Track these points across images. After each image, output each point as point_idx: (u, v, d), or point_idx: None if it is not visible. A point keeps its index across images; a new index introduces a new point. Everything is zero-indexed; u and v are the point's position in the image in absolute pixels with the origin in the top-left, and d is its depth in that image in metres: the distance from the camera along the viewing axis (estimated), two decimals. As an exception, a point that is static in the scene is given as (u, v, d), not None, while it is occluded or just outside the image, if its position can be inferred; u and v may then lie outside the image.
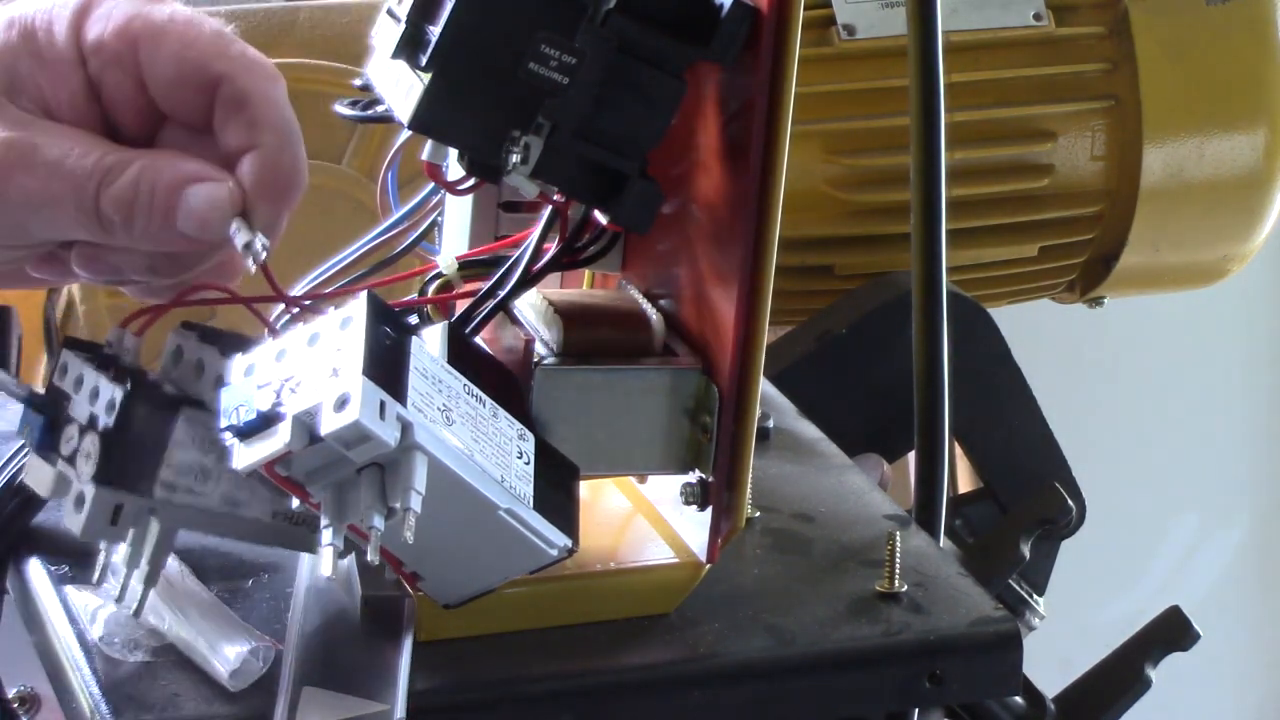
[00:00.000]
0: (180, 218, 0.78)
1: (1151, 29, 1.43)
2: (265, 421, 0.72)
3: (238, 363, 0.75)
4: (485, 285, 0.83)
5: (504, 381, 0.82)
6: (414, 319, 0.84)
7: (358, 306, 0.75)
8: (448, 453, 0.74)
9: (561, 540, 0.78)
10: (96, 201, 0.78)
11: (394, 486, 0.72)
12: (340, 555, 0.74)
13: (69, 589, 0.85)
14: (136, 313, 0.81)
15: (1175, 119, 1.44)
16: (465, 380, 0.77)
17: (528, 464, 0.78)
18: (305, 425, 0.72)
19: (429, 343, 0.78)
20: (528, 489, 0.77)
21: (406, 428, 0.72)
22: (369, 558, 0.72)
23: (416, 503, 0.72)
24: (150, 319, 0.81)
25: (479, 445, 0.76)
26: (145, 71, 0.80)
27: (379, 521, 0.72)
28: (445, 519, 0.75)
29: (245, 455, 0.73)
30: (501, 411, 0.78)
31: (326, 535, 0.73)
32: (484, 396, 0.78)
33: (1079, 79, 1.43)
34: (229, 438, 0.73)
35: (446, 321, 0.82)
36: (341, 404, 0.71)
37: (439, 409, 0.75)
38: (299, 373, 0.73)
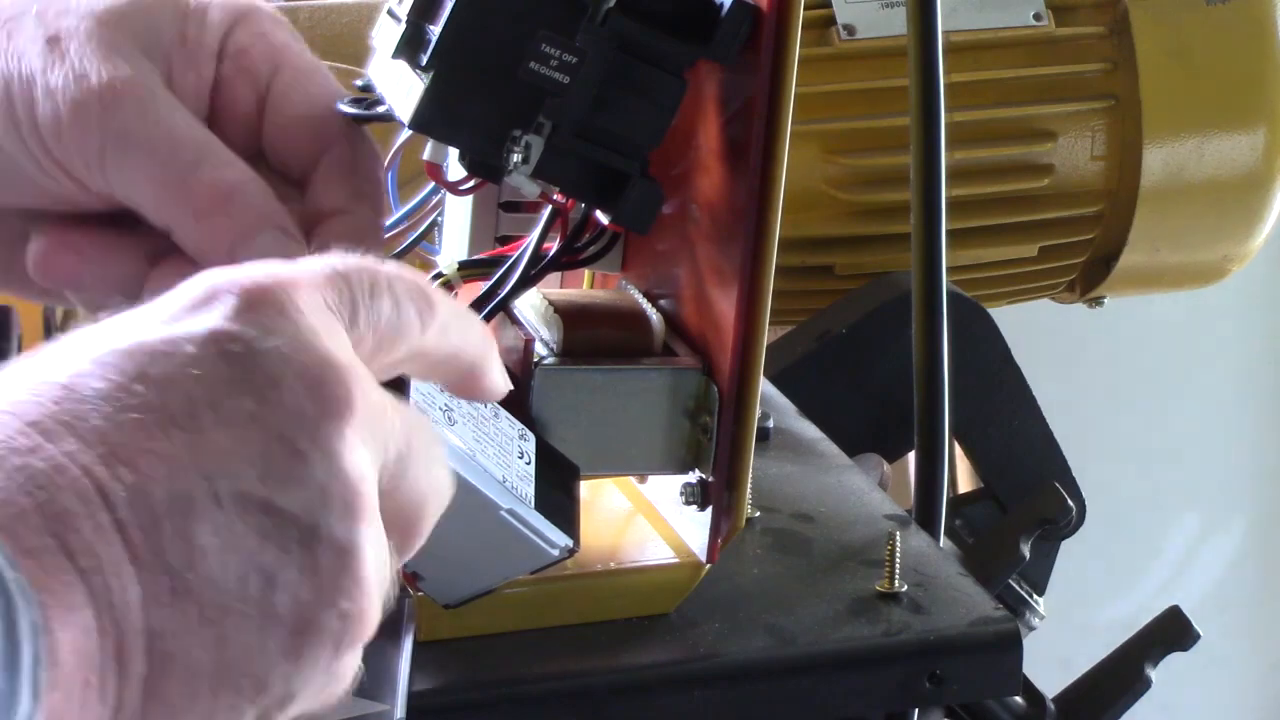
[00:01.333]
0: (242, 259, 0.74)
1: (1151, 29, 1.43)
2: None
3: None
4: (485, 285, 0.83)
5: None
6: None
7: None
8: (450, 452, 0.74)
9: (563, 540, 0.78)
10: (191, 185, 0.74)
11: None
12: None
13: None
14: None
15: (1175, 119, 1.44)
16: None
17: (529, 464, 0.78)
18: None
19: None
20: (529, 489, 0.77)
21: None
22: None
23: None
24: None
25: (481, 445, 0.76)
26: (272, 100, 0.77)
27: None
28: (446, 518, 0.75)
29: None
30: (503, 412, 0.78)
31: None
32: None
33: (1079, 79, 1.43)
34: None
35: None
36: None
37: (441, 408, 0.75)
38: None
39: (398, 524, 0.64)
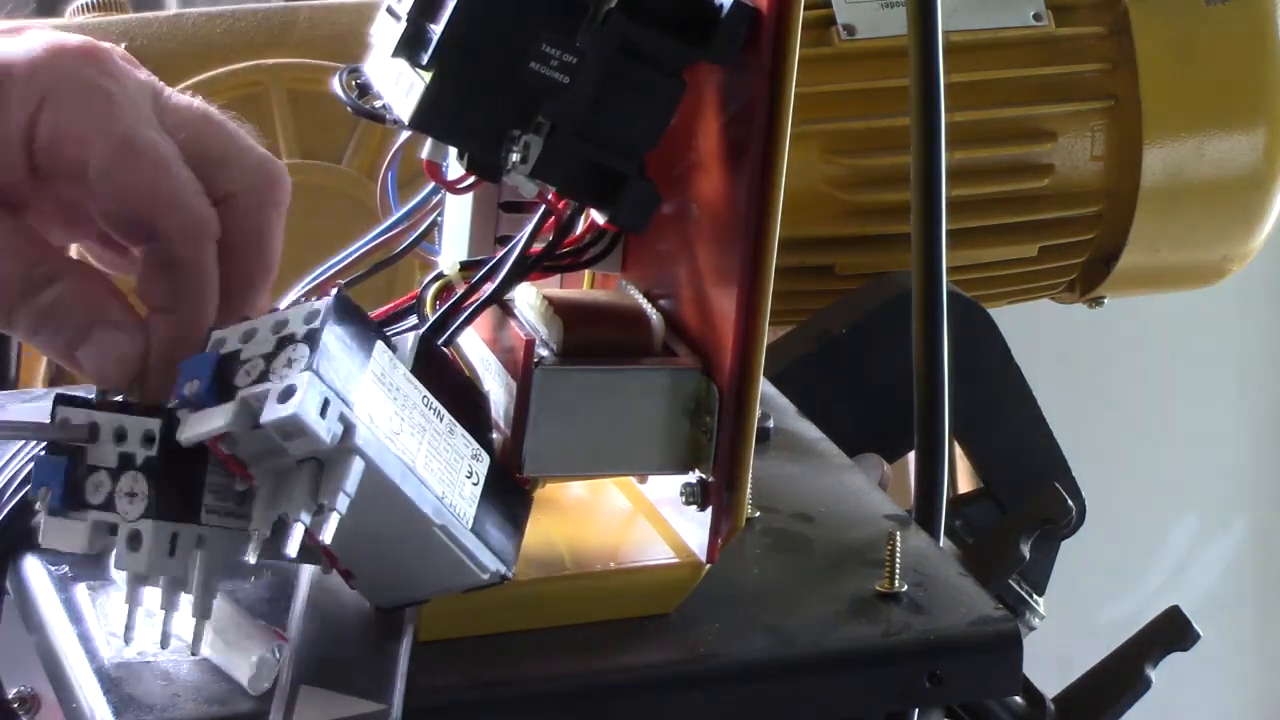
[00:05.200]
0: (82, 356, 0.79)
1: (1151, 29, 1.43)
2: (217, 396, 0.73)
3: (214, 336, 0.76)
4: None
5: (471, 401, 0.81)
6: (413, 319, 0.83)
7: (325, 303, 0.75)
8: (388, 461, 0.74)
9: (494, 564, 0.78)
10: (9, 314, 0.79)
11: (326, 485, 0.73)
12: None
13: (78, 588, 0.84)
14: None
15: (1175, 119, 1.44)
16: (425, 392, 0.77)
17: (476, 485, 0.78)
18: (250, 409, 0.72)
19: (403, 350, 0.78)
20: (470, 509, 0.77)
21: (349, 429, 0.72)
22: (287, 551, 0.72)
23: (343, 505, 0.72)
24: None
25: (426, 459, 0.76)
26: (91, 189, 0.79)
27: (305, 517, 0.72)
28: (378, 525, 0.75)
29: (189, 427, 0.73)
30: (459, 429, 0.78)
31: (255, 520, 0.73)
32: (443, 411, 0.77)
33: (1079, 79, 1.43)
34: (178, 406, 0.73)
35: (418, 332, 0.81)
36: (286, 395, 0.71)
37: (389, 416, 0.75)
38: (258, 356, 0.73)
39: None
